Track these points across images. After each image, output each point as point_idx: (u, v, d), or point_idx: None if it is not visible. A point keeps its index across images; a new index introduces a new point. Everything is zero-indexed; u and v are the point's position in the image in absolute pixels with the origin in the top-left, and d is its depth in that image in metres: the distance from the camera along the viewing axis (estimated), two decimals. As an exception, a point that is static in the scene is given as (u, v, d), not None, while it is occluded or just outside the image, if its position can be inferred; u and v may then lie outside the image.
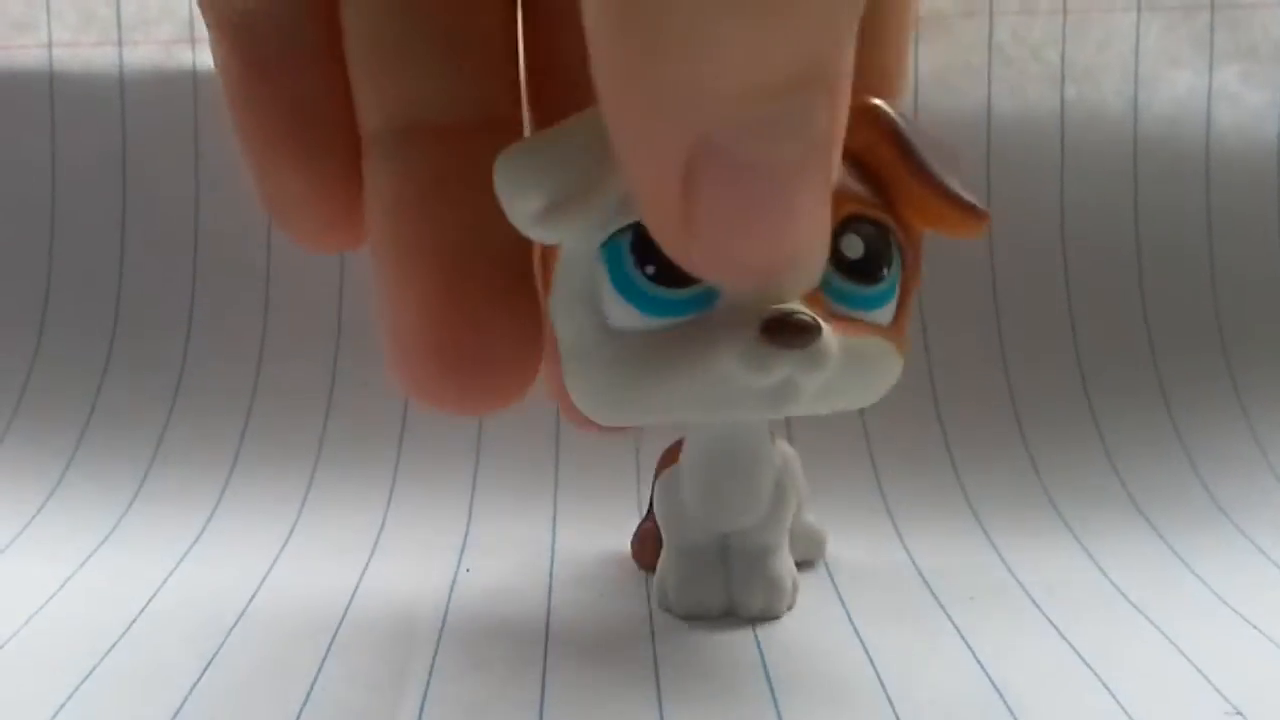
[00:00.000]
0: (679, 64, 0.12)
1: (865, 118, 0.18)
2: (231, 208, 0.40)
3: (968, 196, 0.18)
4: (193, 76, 0.40)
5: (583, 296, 0.18)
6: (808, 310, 0.17)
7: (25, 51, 0.41)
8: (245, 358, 0.38)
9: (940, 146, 0.19)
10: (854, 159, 0.18)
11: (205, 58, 0.41)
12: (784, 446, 0.26)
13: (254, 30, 0.19)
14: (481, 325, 0.19)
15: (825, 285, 0.18)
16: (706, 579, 0.25)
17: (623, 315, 0.18)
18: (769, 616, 0.25)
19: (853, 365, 0.18)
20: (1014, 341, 0.38)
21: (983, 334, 0.38)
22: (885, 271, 0.18)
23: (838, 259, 0.18)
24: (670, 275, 0.17)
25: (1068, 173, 0.40)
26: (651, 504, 0.29)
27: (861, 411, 0.19)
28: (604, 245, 0.17)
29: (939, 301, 0.37)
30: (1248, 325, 0.39)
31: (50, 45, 0.41)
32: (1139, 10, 0.40)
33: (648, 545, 0.28)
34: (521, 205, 0.17)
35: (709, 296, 0.17)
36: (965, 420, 0.36)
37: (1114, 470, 0.35)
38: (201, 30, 0.40)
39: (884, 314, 0.19)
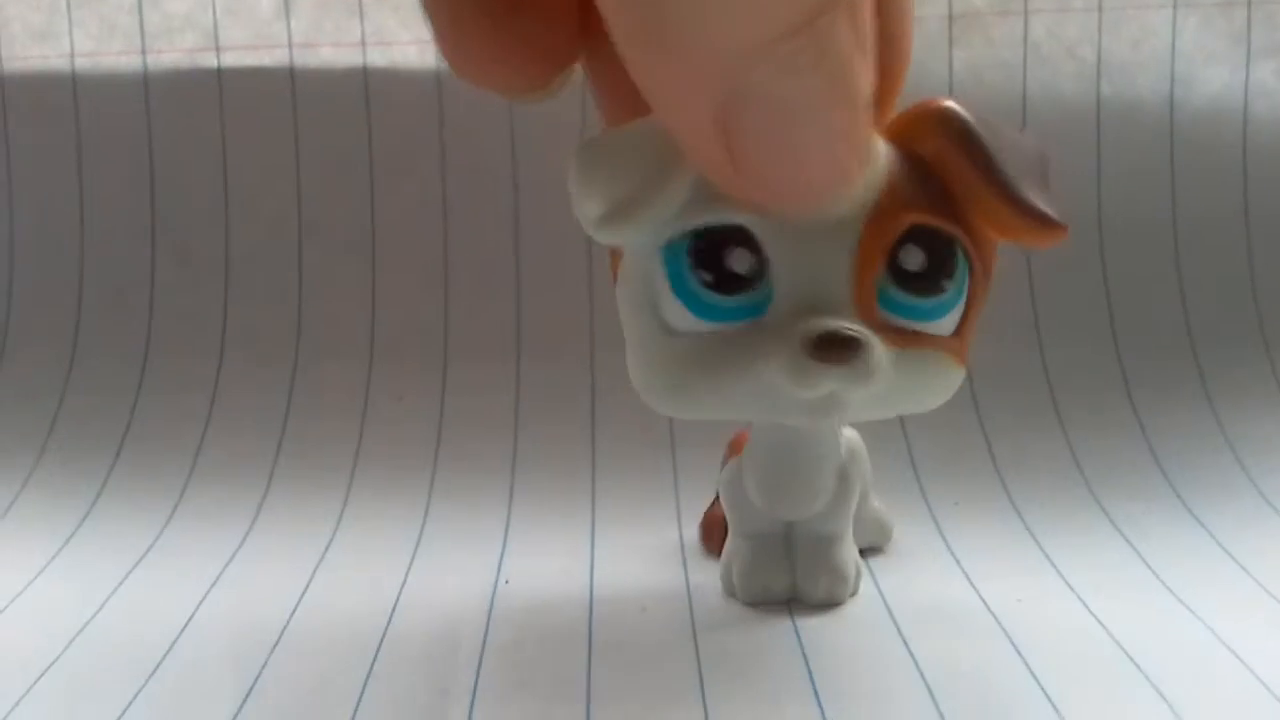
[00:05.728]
0: (691, 31, 0.13)
1: (935, 121, 0.17)
2: (261, 224, 0.40)
3: (1042, 207, 0.17)
4: (217, 75, 0.40)
5: (643, 294, 0.18)
6: (855, 326, 0.17)
7: (46, 62, 0.41)
8: (279, 374, 0.38)
9: (1021, 147, 0.18)
10: (924, 165, 0.18)
11: (230, 60, 0.40)
12: (849, 433, 0.26)
13: None
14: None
15: (881, 298, 0.17)
16: (771, 566, 0.26)
17: (678, 316, 0.18)
18: (832, 603, 0.25)
19: (906, 377, 0.18)
20: (1053, 338, 0.38)
21: (1021, 331, 0.38)
22: (947, 283, 0.18)
23: (896, 271, 0.17)
24: (725, 283, 0.17)
25: (1104, 169, 0.39)
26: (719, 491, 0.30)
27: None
28: (664, 247, 0.18)
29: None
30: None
31: (72, 55, 0.41)
32: (1175, 7, 0.39)
33: (714, 531, 0.28)
34: (586, 209, 0.17)
35: (761, 304, 0.17)
36: (1006, 418, 0.36)
37: (1158, 465, 0.34)
38: (226, 39, 0.40)
39: (945, 324, 0.18)
